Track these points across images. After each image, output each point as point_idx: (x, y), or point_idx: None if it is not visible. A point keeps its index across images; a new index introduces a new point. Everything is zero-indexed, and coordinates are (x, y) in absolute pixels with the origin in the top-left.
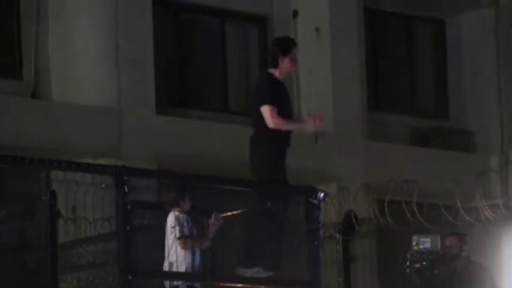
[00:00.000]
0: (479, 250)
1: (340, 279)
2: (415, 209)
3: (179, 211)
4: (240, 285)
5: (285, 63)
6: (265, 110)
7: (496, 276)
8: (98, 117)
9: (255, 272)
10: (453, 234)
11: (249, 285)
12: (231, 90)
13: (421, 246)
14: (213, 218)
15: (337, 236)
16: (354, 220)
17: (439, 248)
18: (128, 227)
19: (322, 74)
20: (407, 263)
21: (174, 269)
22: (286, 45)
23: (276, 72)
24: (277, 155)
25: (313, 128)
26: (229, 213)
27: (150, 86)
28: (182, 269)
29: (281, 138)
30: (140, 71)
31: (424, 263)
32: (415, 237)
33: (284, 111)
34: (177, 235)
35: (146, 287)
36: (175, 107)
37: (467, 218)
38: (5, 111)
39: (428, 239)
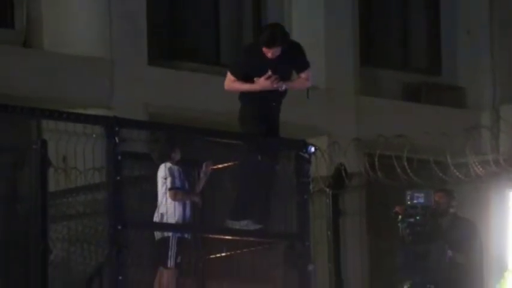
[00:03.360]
0: (468, 206)
1: (329, 232)
2: (405, 164)
3: (171, 163)
4: (229, 237)
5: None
6: (227, 76)
7: (482, 232)
8: (89, 68)
9: (244, 224)
10: (441, 190)
11: (238, 238)
12: (223, 43)
13: (415, 201)
14: (202, 172)
15: (327, 190)
16: (344, 174)
17: (432, 204)
18: (118, 178)
19: (314, 28)
20: (400, 217)
21: (165, 221)
22: (260, 39)
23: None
24: (259, 113)
25: (268, 84)
26: (219, 166)
27: (142, 37)
28: (173, 221)
29: (263, 96)
30: (132, 22)
31: (417, 217)
32: (408, 192)
33: (249, 77)
34: (168, 186)
35: (137, 238)
36: (167, 59)
37: (457, 173)
38: None
39: (422, 194)
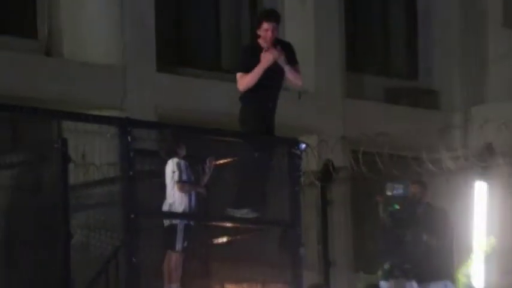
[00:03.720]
0: (440, 196)
1: (318, 220)
2: (386, 159)
3: (178, 158)
4: (230, 224)
5: (261, 34)
6: (237, 76)
7: (453, 218)
8: (104, 74)
9: (244, 213)
10: (417, 181)
11: (238, 224)
12: (224, 50)
13: (395, 192)
14: (206, 167)
15: (317, 182)
16: (331, 169)
17: (409, 194)
18: (131, 172)
19: (305, 37)
20: (381, 206)
21: (173, 210)
22: (258, 19)
23: (261, 41)
24: (257, 113)
25: (272, 56)
26: (221, 161)
27: (151, 45)
28: (180, 210)
29: (261, 97)
30: (142, 32)
31: (396, 206)
32: (389, 184)
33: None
34: (176, 179)
35: (147, 226)
36: (174, 66)
37: (432, 167)
38: (22, 68)
39: (401, 186)
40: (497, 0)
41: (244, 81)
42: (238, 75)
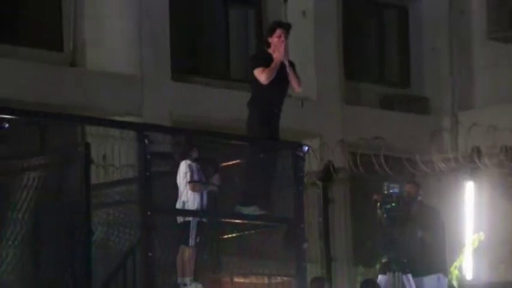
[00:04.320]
0: (432, 195)
1: (320, 218)
2: (382, 161)
3: (190, 160)
4: (239, 221)
5: (273, 41)
6: (256, 73)
7: (444, 216)
8: (123, 83)
9: (251, 210)
10: (411, 182)
11: (246, 221)
12: (233, 61)
13: (391, 191)
14: (216, 181)
15: (318, 182)
16: (332, 169)
17: (404, 193)
18: (147, 173)
19: (306, 49)
20: (378, 204)
21: (186, 207)
22: (272, 27)
23: (271, 50)
24: (264, 117)
25: (280, 56)
26: (230, 163)
27: (167, 57)
28: (192, 207)
29: (267, 103)
30: (158, 44)
31: (393, 204)
32: (386, 183)
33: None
34: (188, 180)
35: (162, 223)
36: (187, 75)
37: (424, 168)
38: (50, 77)
39: (397, 185)
40: (482, 15)
41: (266, 74)
42: (258, 70)
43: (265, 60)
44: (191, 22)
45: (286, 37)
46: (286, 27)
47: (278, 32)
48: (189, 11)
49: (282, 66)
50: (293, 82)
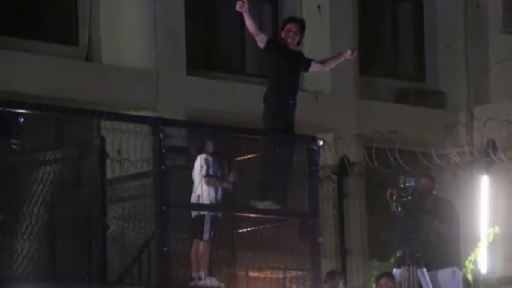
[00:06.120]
0: (448, 189)
1: (335, 211)
2: (397, 154)
3: (206, 154)
4: (253, 215)
5: (284, 34)
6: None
7: (459, 209)
8: (139, 78)
9: (266, 204)
10: (426, 175)
11: (261, 215)
12: (248, 56)
13: (407, 184)
14: (229, 183)
15: (333, 176)
16: (347, 163)
17: (420, 187)
18: (163, 167)
19: (322, 43)
20: (394, 197)
21: (201, 202)
22: (283, 22)
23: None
24: (279, 109)
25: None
26: (245, 157)
27: (182, 51)
28: (207, 202)
29: (283, 97)
30: (174, 39)
31: (409, 197)
32: (402, 177)
33: (277, 61)
34: (203, 174)
35: (177, 216)
36: (202, 70)
37: (439, 162)
38: (65, 72)
39: (413, 179)
40: (497, 10)
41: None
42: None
43: (278, 45)
44: (207, 16)
45: (299, 33)
46: (297, 22)
47: (288, 26)
48: (204, 5)
49: (292, 58)
50: (318, 68)
